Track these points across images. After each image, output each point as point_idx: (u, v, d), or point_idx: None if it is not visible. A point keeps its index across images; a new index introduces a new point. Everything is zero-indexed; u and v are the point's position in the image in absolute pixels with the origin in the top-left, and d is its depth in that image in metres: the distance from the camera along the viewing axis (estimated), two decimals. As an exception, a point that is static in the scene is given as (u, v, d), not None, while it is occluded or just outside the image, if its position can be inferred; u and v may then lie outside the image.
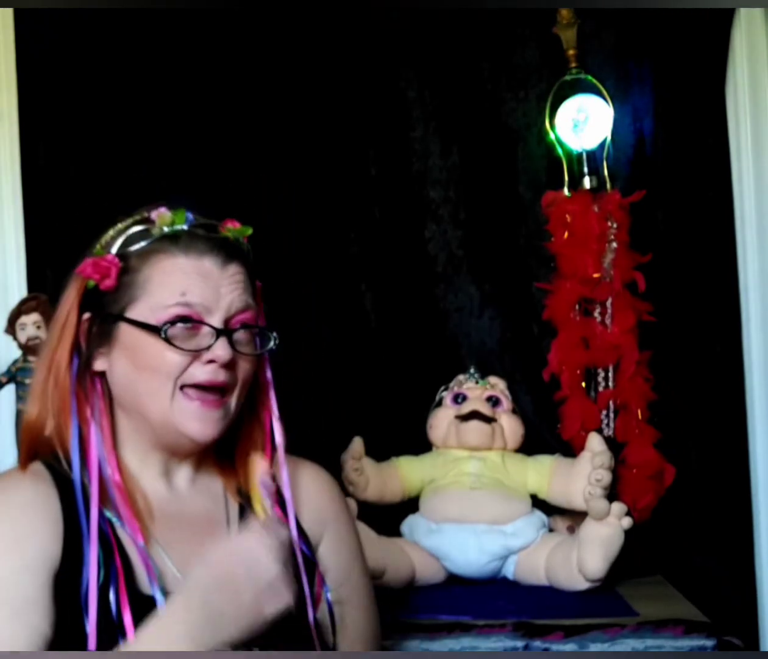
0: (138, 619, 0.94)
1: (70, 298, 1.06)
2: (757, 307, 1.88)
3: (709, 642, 1.41)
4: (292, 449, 1.99)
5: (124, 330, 1.04)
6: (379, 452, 1.83)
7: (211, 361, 1.02)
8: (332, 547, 1.16)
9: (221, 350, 1.02)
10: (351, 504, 1.77)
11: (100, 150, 1.94)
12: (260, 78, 1.98)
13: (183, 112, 1.97)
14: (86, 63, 1.93)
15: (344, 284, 2.02)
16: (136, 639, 0.92)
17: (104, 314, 1.05)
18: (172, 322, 1.01)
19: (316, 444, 1.97)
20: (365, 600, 1.19)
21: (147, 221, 1.08)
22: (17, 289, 1.90)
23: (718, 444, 1.88)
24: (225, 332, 1.03)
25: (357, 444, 1.79)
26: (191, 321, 1.02)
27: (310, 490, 1.20)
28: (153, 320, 1.02)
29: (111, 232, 1.08)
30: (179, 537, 1.04)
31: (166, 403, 1.03)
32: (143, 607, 0.95)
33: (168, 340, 1.01)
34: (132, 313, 1.03)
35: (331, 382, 2.01)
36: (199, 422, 1.03)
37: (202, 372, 1.02)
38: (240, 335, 1.05)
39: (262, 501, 1.05)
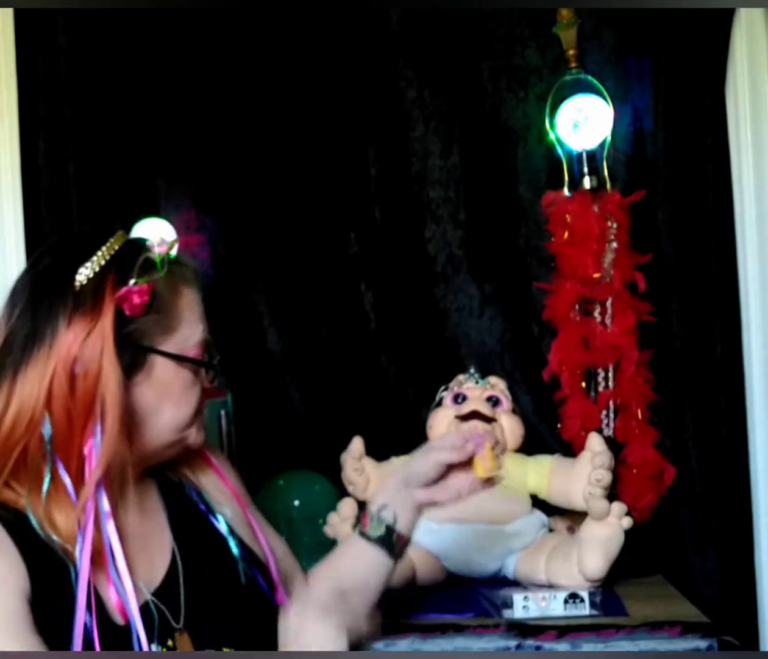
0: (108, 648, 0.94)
1: (103, 327, 0.98)
2: (757, 307, 1.88)
3: (703, 644, 1.40)
4: (292, 448, 2.00)
5: (160, 363, 1.04)
6: (379, 452, 1.83)
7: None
8: (262, 522, 1.23)
9: (219, 380, 1.12)
10: (350, 504, 1.77)
11: (100, 150, 1.94)
12: (260, 78, 1.98)
13: (183, 112, 1.97)
14: (86, 62, 1.93)
15: (344, 284, 2.02)
16: None
17: (141, 345, 1.02)
18: (211, 359, 1.09)
19: (316, 444, 1.99)
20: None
21: (137, 245, 1.06)
22: (17, 289, 1.89)
23: (718, 444, 1.88)
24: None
25: (357, 444, 1.79)
26: (214, 358, 1.10)
27: (229, 471, 1.23)
28: (180, 352, 1.05)
29: (105, 252, 1.02)
30: (141, 553, 1.04)
31: (186, 426, 1.08)
32: (115, 637, 0.96)
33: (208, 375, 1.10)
34: (167, 345, 1.04)
35: (331, 382, 2.01)
36: (203, 431, 1.13)
37: (203, 399, 1.11)
38: None
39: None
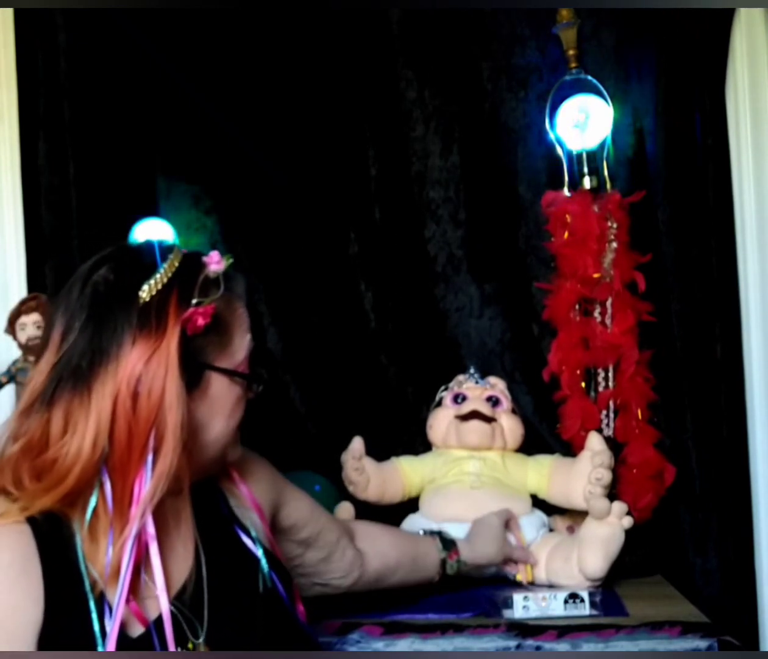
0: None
1: (168, 348, 0.97)
2: (757, 307, 1.88)
3: (703, 644, 1.40)
4: (292, 448, 2.00)
5: (216, 380, 1.04)
6: (379, 452, 1.83)
7: None
8: (289, 501, 1.29)
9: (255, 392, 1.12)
10: (348, 507, 1.77)
11: (99, 150, 1.95)
12: (260, 77, 1.98)
13: (183, 112, 1.97)
14: (86, 62, 1.93)
15: (344, 284, 2.02)
16: None
17: (198, 363, 1.02)
18: (258, 374, 1.10)
19: (316, 444, 1.99)
20: (323, 510, 1.37)
21: (196, 262, 1.05)
22: (17, 289, 1.90)
23: (718, 444, 1.88)
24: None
25: (357, 444, 1.79)
26: (261, 369, 1.11)
27: (255, 476, 1.23)
28: (233, 367, 1.06)
29: (167, 269, 1.01)
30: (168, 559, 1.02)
31: (230, 442, 1.10)
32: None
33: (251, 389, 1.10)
34: (221, 361, 1.05)
35: (331, 382, 2.01)
36: (240, 445, 1.15)
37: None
38: None
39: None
